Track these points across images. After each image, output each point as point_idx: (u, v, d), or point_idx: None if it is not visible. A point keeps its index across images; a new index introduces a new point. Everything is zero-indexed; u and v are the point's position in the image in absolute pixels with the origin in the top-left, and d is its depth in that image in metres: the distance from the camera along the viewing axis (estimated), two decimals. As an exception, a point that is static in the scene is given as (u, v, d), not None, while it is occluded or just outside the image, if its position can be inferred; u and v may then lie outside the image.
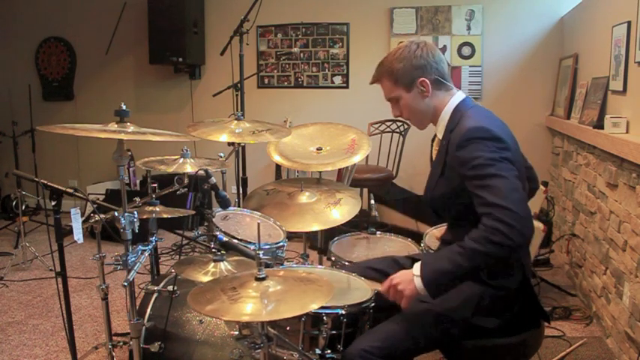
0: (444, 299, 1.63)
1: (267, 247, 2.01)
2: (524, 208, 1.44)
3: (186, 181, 2.35)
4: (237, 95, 3.53)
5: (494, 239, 1.41)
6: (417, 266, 1.54)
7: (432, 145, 1.86)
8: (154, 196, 2.26)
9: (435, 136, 1.80)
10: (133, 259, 1.78)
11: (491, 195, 1.44)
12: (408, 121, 1.78)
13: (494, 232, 1.41)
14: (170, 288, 2.06)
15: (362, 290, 1.79)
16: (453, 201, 1.66)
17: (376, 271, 1.89)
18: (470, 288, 1.63)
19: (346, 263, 2.11)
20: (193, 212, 2.19)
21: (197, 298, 1.46)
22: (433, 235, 2.23)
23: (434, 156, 1.81)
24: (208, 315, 1.69)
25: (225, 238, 1.94)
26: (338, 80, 4.99)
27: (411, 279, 1.53)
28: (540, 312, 1.70)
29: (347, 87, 4.97)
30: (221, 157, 2.74)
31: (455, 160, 1.58)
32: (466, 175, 1.54)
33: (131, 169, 5.09)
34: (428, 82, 1.67)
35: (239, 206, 2.80)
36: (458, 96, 1.71)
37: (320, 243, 2.60)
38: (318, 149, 2.51)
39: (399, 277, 1.56)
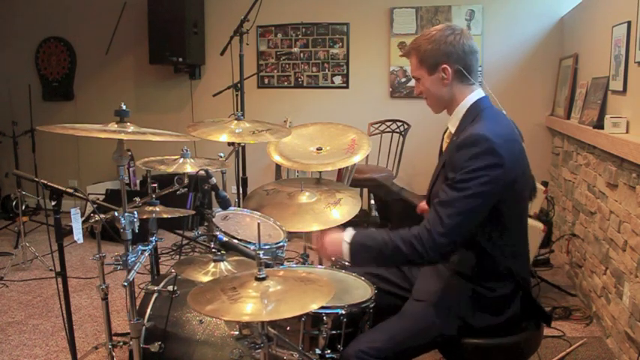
0: (440, 299, 1.63)
1: (267, 247, 2.01)
2: (454, 239, 1.51)
3: (186, 181, 2.35)
4: (237, 95, 3.53)
5: (416, 247, 1.51)
6: (348, 233, 1.63)
7: (442, 138, 1.84)
8: (154, 196, 2.26)
9: (447, 129, 1.78)
10: (133, 259, 1.78)
11: (444, 213, 1.50)
12: (425, 99, 1.77)
13: (420, 243, 1.51)
14: (170, 288, 2.06)
15: (362, 290, 1.80)
16: None
17: (377, 276, 1.89)
18: (464, 288, 1.63)
19: (346, 263, 2.11)
20: (193, 212, 2.18)
21: (197, 298, 1.46)
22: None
23: (444, 148, 1.79)
24: (208, 315, 1.69)
25: (225, 238, 1.94)
26: (338, 80, 4.99)
27: (339, 243, 1.62)
28: (542, 315, 1.70)
29: (347, 87, 4.97)
30: (221, 157, 2.74)
31: (450, 159, 1.58)
32: (447, 177, 1.55)
33: (131, 169, 5.09)
34: (450, 70, 1.63)
35: (239, 206, 2.79)
36: (477, 93, 1.67)
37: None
38: (318, 149, 2.51)
39: (330, 239, 1.67)
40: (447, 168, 1.60)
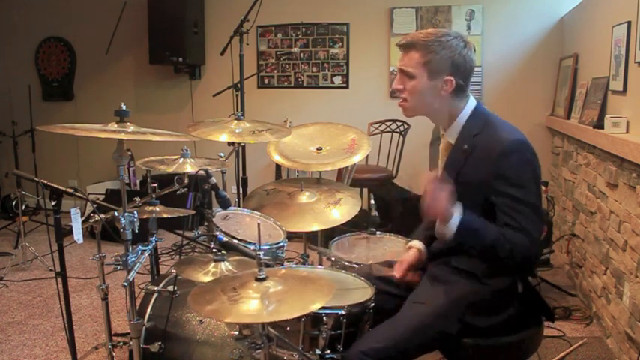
0: (441, 297, 1.63)
1: (267, 247, 2.01)
2: (539, 237, 1.59)
3: (186, 181, 2.35)
4: (237, 95, 3.53)
5: (522, 257, 1.52)
6: (460, 209, 1.53)
7: (434, 145, 1.83)
8: (154, 196, 2.26)
9: (437, 138, 1.78)
10: (133, 259, 1.78)
11: (525, 221, 1.52)
12: (402, 97, 1.67)
13: (526, 251, 1.52)
14: (170, 288, 2.06)
15: (362, 290, 1.80)
16: (471, 206, 1.60)
17: (376, 277, 1.89)
18: (464, 287, 1.63)
19: (346, 263, 2.11)
20: (193, 212, 2.18)
21: (197, 299, 1.46)
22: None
23: (441, 157, 1.76)
24: (208, 316, 1.70)
25: (225, 238, 1.94)
26: (338, 80, 4.99)
27: (452, 213, 1.52)
28: (545, 310, 1.70)
29: (347, 87, 4.97)
30: (221, 157, 2.74)
31: (485, 169, 1.55)
32: (498, 189, 1.54)
33: (131, 169, 5.09)
34: (453, 83, 1.59)
35: (239, 206, 2.79)
36: (472, 101, 1.67)
37: (320, 243, 2.60)
38: (318, 149, 2.51)
39: (447, 204, 1.51)
40: (471, 175, 1.60)
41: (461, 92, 1.63)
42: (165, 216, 2.19)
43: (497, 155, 1.53)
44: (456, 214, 1.52)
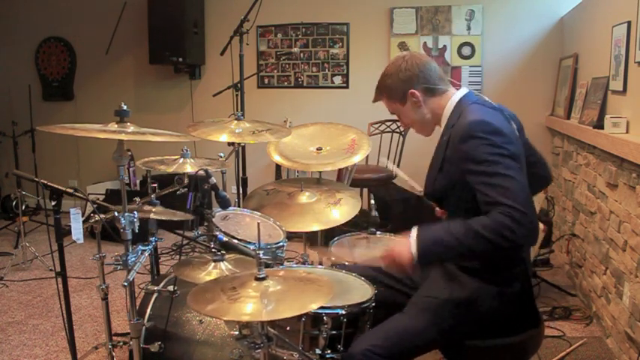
0: (444, 295, 1.63)
1: (267, 247, 2.01)
2: (532, 208, 1.44)
3: (186, 181, 2.35)
4: (237, 95, 3.53)
5: (503, 232, 1.39)
6: (414, 231, 1.52)
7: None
8: (153, 196, 2.26)
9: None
10: (133, 259, 1.78)
11: (499, 195, 1.43)
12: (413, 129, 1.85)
13: (503, 226, 1.39)
14: (170, 288, 2.06)
15: (362, 290, 1.80)
16: (452, 193, 1.66)
17: (379, 272, 1.89)
18: (468, 285, 1.63)
19: (346, 263, 2.11)
20: (191, 216, 2.18)
21: (197, 298, 1.46)
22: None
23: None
24: (208, 315, 1.70)
25: (225, 238, 1.94)
26: (338, 80, 4.99)
27: (408, 246, 1.50)
28: (533, 315, 1.69)
29: (347, 87, 4.97)
30: (221, 157, 2.74)
31: (457, 154, 1.58)
32: (470, 170, 1.52)
33: (131, 169, 5.09)
34: (417, 92, 1.71)
35: (239, 206, 2.79)
36: (458, 94, 1.71)
37: (320, 243, 2.60)
38: (318, 149, 2.51)
39: (399, 247, 1.52)
40: (451, 164, 1.62)
41: (433, 92, 1.72)
42: (164, 217, 2.19)
43: (459, 139, 1.56)
44: (412, 239, 1.50)
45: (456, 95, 1.71)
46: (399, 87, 1.72)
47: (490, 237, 1.40)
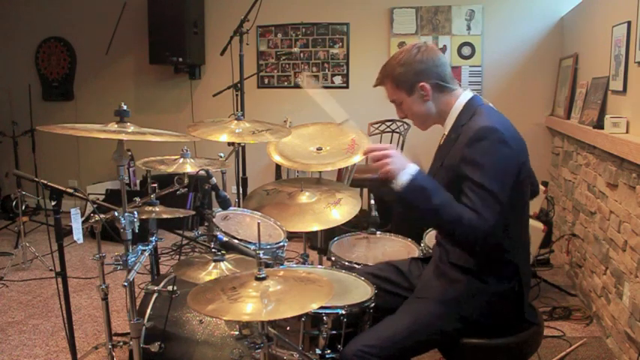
0: (440, 295, 1.64)
1: (267, 247, 2.01)
2: (496, 222, 1.49)
3: (186, 181, 2.35)
4: (237, 95, 3.54)
5: (468, 234, 1.49)
6: (414, 167, 1.55)
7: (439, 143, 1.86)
8: (153, 196, 2.26)
9: (443, 135, 1.80)
10: (133, 259, 1.78)
11: (480, 204, 1.49)
12: (410, 122, 1.80)
13: (472, 230, 1.48)
14: (170, 288, 2.06)
15: (362, 290, 1.80)
16: (452, 187, 1.64)
17: (378, 277, 1.89)
18: (464, 285, 1.64)
19: (346, 263, 2.11)
20: (193, 212, 2.18)
21: (197, 298, 1.46)
22: (433, 235, 2.23)
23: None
24: (208, 315, 1.69)
25: (225, 238, 1.94)
26: (338, 80, 4.99)
27: (403, 169, 1.54)
28: (520, 314, 1.68)
29: (347, 87, 4.97)
30: (221, 157, 2.74)
31: (459, 154, 1.59)
32: (464, 173, 1.55)
33: (131, 169, 5.09)
34: (428, 86, 1.68)
35: (239, 206, 2.80)
36: (466, 95, 1.71)
37: (320, 243, 2.60)
38: (318, 149, 2.51)
39: (396, 161, 1.55)
40: (451, 161, 1.62)
41: (443, 89, 1.69)
42: (165, 216, 2.19)
43: (467, 140, 1.57)
44: (409, 170, 1.54)
45: (464, 95, 1.70)
46: (410, 78, 1.68)
47: (460, 230, 1.50)
